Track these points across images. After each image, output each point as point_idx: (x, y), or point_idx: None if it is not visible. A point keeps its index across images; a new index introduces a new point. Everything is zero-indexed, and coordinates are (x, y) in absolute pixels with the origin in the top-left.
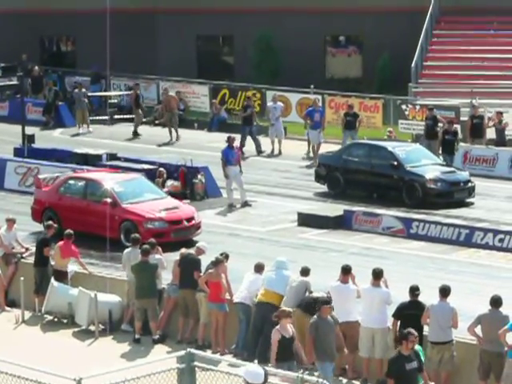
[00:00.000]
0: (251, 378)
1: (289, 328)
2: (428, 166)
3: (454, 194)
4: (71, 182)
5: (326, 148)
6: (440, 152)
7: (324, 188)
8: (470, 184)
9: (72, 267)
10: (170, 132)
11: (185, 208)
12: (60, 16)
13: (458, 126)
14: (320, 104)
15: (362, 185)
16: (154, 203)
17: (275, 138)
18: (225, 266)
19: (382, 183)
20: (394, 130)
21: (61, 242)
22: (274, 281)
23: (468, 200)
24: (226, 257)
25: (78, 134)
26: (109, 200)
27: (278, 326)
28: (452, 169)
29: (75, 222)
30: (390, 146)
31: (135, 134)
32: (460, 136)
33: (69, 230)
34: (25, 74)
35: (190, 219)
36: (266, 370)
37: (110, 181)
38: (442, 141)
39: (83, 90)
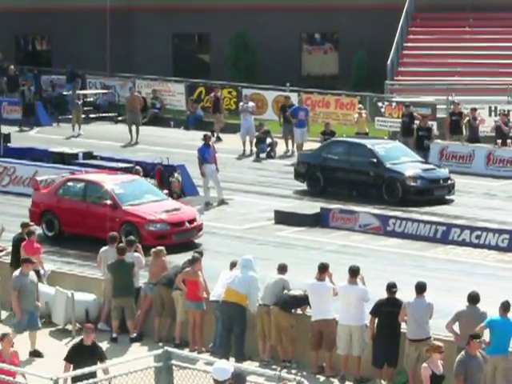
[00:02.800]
0: (217, 375)
1: (439, 364)
2: (408, 163)
3: (433, 192)
4: (70, 183)
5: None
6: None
7: (301, 186)
8: (449, 181)
9: (48, 266)
10: (131, 131)
11: (186, 209)
12: (35, 15)
13: (434, 123)
14: (293, 101)
15: (341, 183)
16: (155, 205)
17: (247, 136)
18: (200, 264)
19: (362, 181)
20: (371, 127)
21: (24, 242)
22: (237, 280)
23: (448, 197)
24: (201, 254)
25: (74, 136)
26: (109, 202)
27: (427, 361)
28: (432, 166)
29: (75, 225)
30: (369, 143)
31: (218, 139)
32: (436, 133)
33: (30, 228)
34: (0, 73)
35: (191, 221)
36: (239, 367)
37: (109, 182)
38: (416, 137)
39: (77, 92)
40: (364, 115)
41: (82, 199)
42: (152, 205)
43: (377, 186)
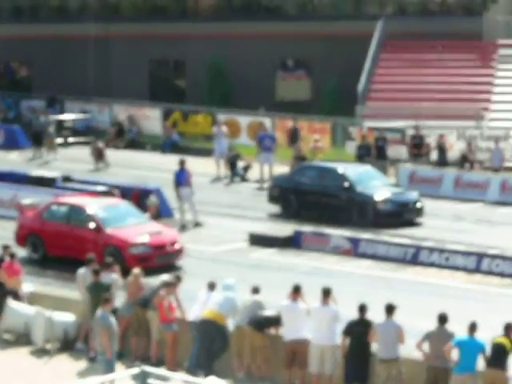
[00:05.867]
0: None
1: None
2: (378, 187)
3: (403, 214)
4: (54, 207)
5: (276, 169)
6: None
7: (275, 209)
8: (418, 204)
9: (28, 287)
10: (96, 162)
11: (168, 232)
12: (16, 42)
13: (403, 147)
14: (268, 127)
15: (314, 206)
16: (138, 228)
17: (220, 160)
18: (175, 288)
19: (334, 204)
20: (342, 151)
21: (6, 262)
22: (219, 301)
23: (417, 220)
24: (178, 279)
25: (47, 162)
26: (92, 225)
27: None
28: (401, 190)
29: (59, 247)
30: (340, 167)
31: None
32: (407, 157)
33: (11, 250)
34: None
35: (173, 243)
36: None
37: (93, 206)
38: (357, 155)
39: (49, 117)
40: (320, 145)
41: (66, 222)
42: (134, 228)
43: (348, 209)
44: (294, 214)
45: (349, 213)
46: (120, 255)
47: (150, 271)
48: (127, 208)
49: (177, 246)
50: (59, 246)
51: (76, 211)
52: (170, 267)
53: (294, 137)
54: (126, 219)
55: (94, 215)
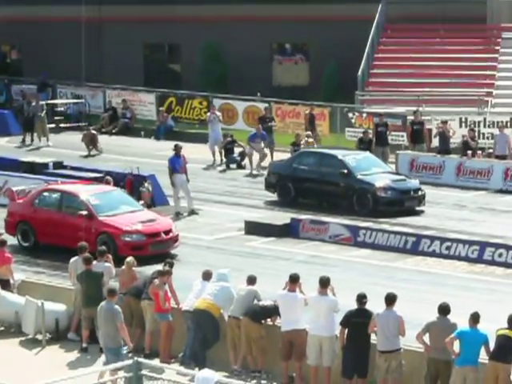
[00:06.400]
0: None
1: None
2: (378, 174)
3: (404, 203)
4: (46, 194)
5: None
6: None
7: (272, 196)
8: (420, 192)
9: (19, 276)
10: (88, 148)
11: (162, 220)
12: (7, 24)
13: (404, 134)
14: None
15: (312, 193)
16: (131, 216)
17: (215, 146)
18: (169, 276)
19: (333, 192)
20: (341, 138)
21: None
22: (213, 292)
23: (418, 208)
24: (171, 265)
25: (38, 148)
26: (85, 212)
27: None
28: (402, 177)
29: (50, 235)
30: (340, 154)
31: None
32: (407, 144)
33: (1, 238)
34: None
35: (167, 232)
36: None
37: (85, 193)
38: (358, 149)
39: (40, 102)
40: (311, 140)
41: (57, 210)
42: (128, 215)
43: (347, 196)
44: (292, 202)
45: (348, 200)
46: (113, 243)
47: (143, 260)
48: (120, 195)
49: (171, 235)
50: (50, 233)
51: (68, 198)
52: (164, 256)
53: (310, 123)
54: (119, 206)
55: (87, 202)
